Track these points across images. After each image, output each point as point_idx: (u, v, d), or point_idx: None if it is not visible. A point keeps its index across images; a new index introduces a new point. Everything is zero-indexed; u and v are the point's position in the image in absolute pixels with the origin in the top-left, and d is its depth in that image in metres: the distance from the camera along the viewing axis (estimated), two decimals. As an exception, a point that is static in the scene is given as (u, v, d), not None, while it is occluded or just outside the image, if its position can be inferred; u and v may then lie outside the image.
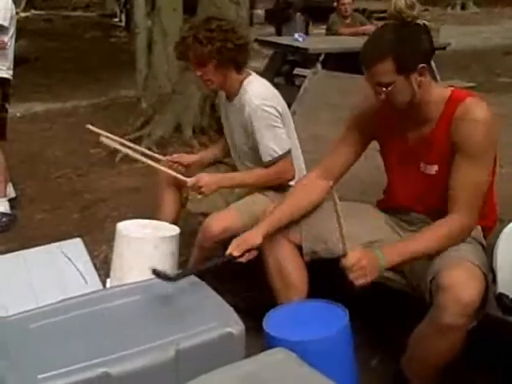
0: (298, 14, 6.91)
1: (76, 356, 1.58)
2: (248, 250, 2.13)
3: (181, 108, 5.51)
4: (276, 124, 2.57)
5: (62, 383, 1.51)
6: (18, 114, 6.79)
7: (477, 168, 1.96)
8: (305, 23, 6.96)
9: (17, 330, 1.71)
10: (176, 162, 2.84)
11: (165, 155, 3.06)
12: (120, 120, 5.02)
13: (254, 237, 2.15)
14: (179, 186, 2.84)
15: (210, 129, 5.49)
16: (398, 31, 1.96)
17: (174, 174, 2.73)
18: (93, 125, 3.22)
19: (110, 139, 2.89)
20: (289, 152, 2.62)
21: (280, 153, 2.58)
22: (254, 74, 2.70)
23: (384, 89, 1.97)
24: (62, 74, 8.65)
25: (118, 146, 2.88)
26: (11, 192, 4.10)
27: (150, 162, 2.77)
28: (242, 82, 2.63)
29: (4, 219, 3.80)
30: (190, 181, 2.64)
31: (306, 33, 6.91)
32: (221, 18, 2.72)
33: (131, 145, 2.99)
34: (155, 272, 1.93)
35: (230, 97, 2.70)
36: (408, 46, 1.93)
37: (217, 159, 2.98)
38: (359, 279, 1.91)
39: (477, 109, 1.96)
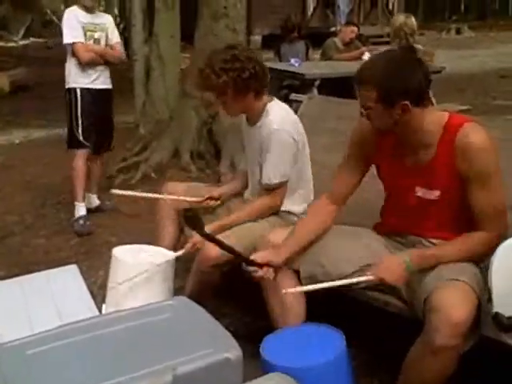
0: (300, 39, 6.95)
1: (73, 382, 1.57)
2: (268, 265, 2.17)
3: (178, 133, 5.53)
4: (287, 151, 2.60)
5: (58, 410, 1.50)
6: (17, 141, 6.83)
7: (491, 189, 2.01)
8: (305, 48, 7.00)
9: (14, 357, 1.70)
10: (209, 198, 2.84)
11: (163, 180, 3.09)
12: (118, 145, 5.03)
13: (276, 258, 2.19)
14: (179, 211, 2.85)
15: (207, 153, 5.52)
16: (391, 64, 2.00)
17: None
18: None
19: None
20: (286, 182, 2.65)
21: (278, 181, 2.61)
22: (275, 100, 2.73)
23: (363, 110, 2.04)
24: (62, 100, 8.67)
25: (132, 193, 3.09)
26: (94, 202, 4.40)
27: (170, 196, 2.87)
28: (264, 107, 2.65)
29: (88, 223, 4.07)
30: (186, 248, 2.61)
31: (307, 58, 6.95)
32: (237, 45, 2.73)
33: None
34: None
35: (252, 121, 2.72)
36: (394, 82, 1.96)
37: (237, 191, 2.96)
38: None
39: (476, 135, 1.99)
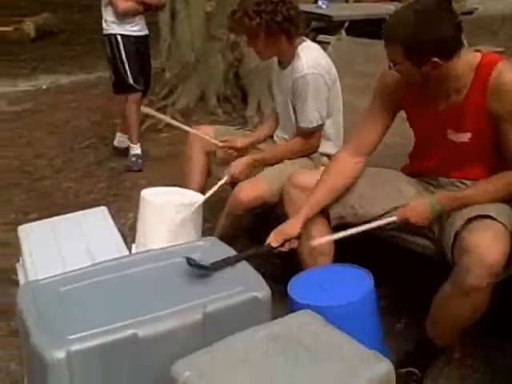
0: None
1: (105, 318, 1.61)
2: (288, 240, 2.14)
3: (205, 77, 5.50)
4: (321, 94, 2.58)
5: (91, 344, 1.54)
6: (44, 87, 6.84)
7: None
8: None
9: (47, 293, 1.74)
10: (231, 148, 2.82)
11: (190, 125, 3.08)
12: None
13: (292, 227, 2.15)
14: (207, 154, 2.86)
15: (234, 97, 5.48)
16: (419, 17, 1.88)
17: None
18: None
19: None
20: (322, 125, 2.63)
21: (316, 124, 2.60)
22: (308, 41, 2.69)
23: (392, 65, 1.99)
24: (87, 46, 8.65)
25: (162, 117, 3.02)
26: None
27: (190, 129, 2.88)
28: (295, 50, 2.62)
29: (140, 161, 4.23)
30: (226, 178, 2.66)
31: None
32: None
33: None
34: (189, 261, 1.84)
35: (284, 64, 2.69)
36: (423, 39, 1.86)
37: (268, 137, 2.93)
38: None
39: (511, 74, 1.92)
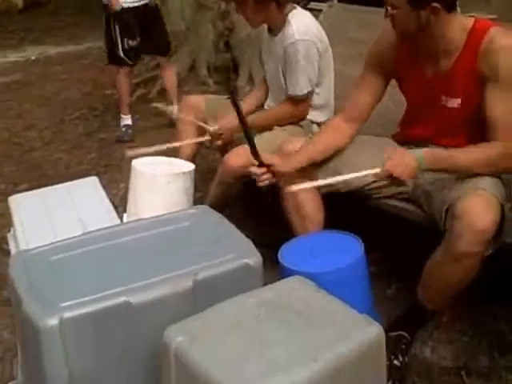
0: None
1: (97, 286, 1.61)
2: (271, 173, 2.16)
3: (195, 46, 5.45)
4: (312, 61, 2.56)
5: (83, 311, 1.54)
6: (33, 57, 6.77)
7: (511, 97, 1.93)
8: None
9: (39, 262, 1.74)
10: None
11: (180, 94, 3.07)
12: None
13: (282, 166, 2.18)
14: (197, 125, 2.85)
15: (224, 67, 5.44)
16: None
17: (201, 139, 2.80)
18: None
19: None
20: (311, 92, 2.62)
21: (306, 91, 2.59)
22: (298, 8, 2.66)
23: (389, 9, 1.96)
24: (75, 17, 8.56)
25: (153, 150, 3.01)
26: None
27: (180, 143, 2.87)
28: (286, 17, 2.59)
29: (130, 131, 4.27)
30: (212, 129, 2.67)
31: None
32: None
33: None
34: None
35: (274, 32, 2.66)
36: None
37: (256, 108, 2.90)
38: (396, 183, 1.99)
39: (504, 38, 1.92)
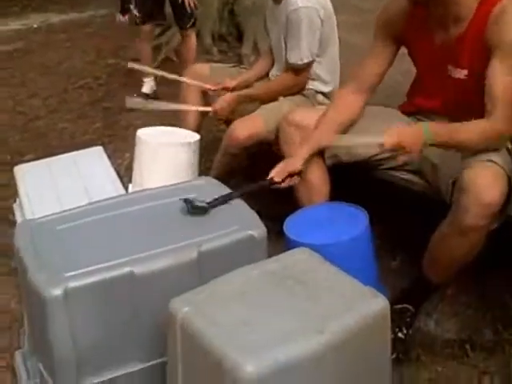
0: None
1: (102, 256, 1.62)
2: (289, 176, 2.12)
3: (199, 15, 5.36)
4: (314, 30, 2.53)
5: (88, 281, 1.55)
6: (35, 25, 6.71)
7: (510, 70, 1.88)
8: None
9: (44, 232, 1.75)
10: (223, 89, 2.78)
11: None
12: (137, 29, 4.94)
13: (294, 163, 2.14)
14: (203, 93, 2.83)
15: (229, 35, 5.38)
16: None
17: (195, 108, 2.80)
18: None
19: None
20: (312, 62, 2.59)
21: (307, 60, 2.56)
22: None
23: None
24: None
25: (151, 71, 2.97)
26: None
27: (183, 79, 2.86)
28: None
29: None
30: (212, 108, 2.66)
31: None
32: None
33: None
34: (187, 204, 1.84)
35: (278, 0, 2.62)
36: None
37: (261, 77, 2.88)
38: (401, 157, 1.93)
39: None
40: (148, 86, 4.31)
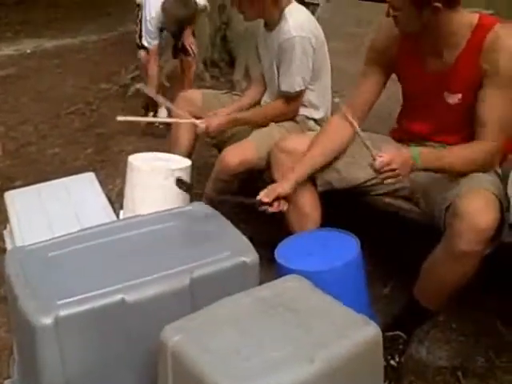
0: None
1: (93, 283, 1.61)
2: (277, 199, 2.12)
3: (191, 41, 5.42)
4: (306, 58, 2.55)
5: (80, 309, 1.53)
6: (28, 51, 6.73)
7: (505, 99, 1.92)
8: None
9: (35, 259, 1.74)
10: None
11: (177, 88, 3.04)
12: (130, 55, 4.97)
13: (283, 186, 2.14)
14: (195, 119, 2.84)
15: (221, 61, 5.42)
16: None
17: (188, 120, 2.78)
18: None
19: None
20: (304, 90, 2.62)
21: (299, 89, 2.58)
22: (294, 3, 2.64)
23: (391, 10, 1.95)
24: (70, 9, 8.52)
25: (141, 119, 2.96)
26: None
27: (170, 120, 2.93)
28: (282, 11, 2.57)
29: (161, 126, 4.15)
30: (199, 127, 2.67)
31: None
32: None
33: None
34: (179, 182, 1.95)
35: (270, 26, 2.65)
36: None
37: (253, 105, 2.88)
38: (389, 180, 1.93)
39: (508, 36, 1.92)
40: (162, 113, 4.30)
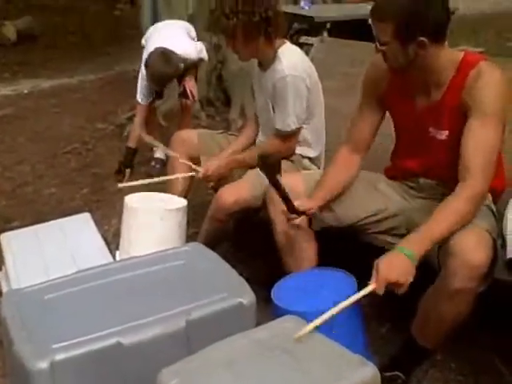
0: None
1: (89, 326, 1.61)
2: (301, 212, 2.16)
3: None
4: (301, 97, 2.58)
5: (75, 353, 1.53)
6: (25, 91, 6.78)
7: (488, 130, 1.91)
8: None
9: (31, 302, 1.74)
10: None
11: (173, 128, 3.06)
12: (127, 95, 5.01)
13: (309, 203, 2.18)
14: (191, 159, 2.86)
15: (217, 100, 5.47)
16: None
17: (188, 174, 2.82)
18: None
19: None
20: (300, 129, 2.64)
21: (294, 127, 2.60)
22: (288, 43, 2.68)
23: (378, 45, 1.98)
24: (67, 49, 8.61)
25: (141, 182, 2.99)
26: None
27: (170, 177, 2.88)
28: (276, 52, 2.61)
29: (158, 166, 4.21)
30: (200, 173, 2.70)
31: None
32: None
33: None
34: None
35: (264, 66, 2.68)
36: (412, 16, 1.89)
37: (249, 145, 2.89)
38: (399, 291, 1.83)
39: (490, 72, 1.94)
40: (158, 153, 4.30)
